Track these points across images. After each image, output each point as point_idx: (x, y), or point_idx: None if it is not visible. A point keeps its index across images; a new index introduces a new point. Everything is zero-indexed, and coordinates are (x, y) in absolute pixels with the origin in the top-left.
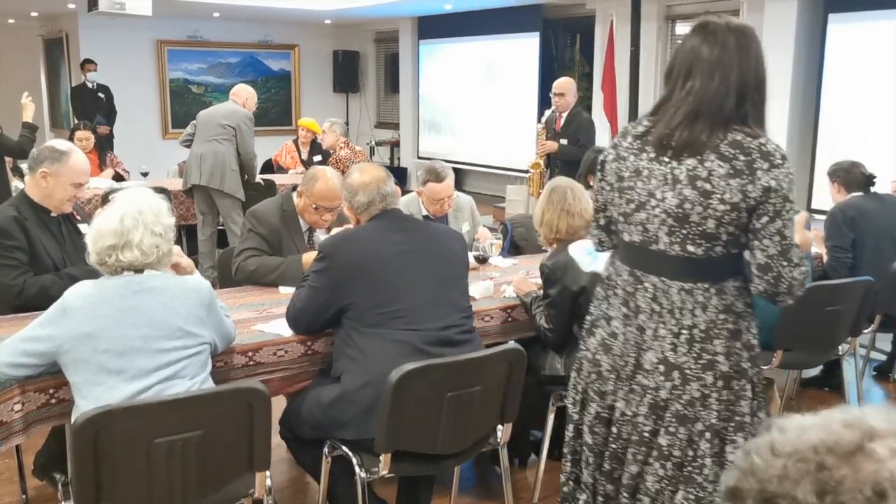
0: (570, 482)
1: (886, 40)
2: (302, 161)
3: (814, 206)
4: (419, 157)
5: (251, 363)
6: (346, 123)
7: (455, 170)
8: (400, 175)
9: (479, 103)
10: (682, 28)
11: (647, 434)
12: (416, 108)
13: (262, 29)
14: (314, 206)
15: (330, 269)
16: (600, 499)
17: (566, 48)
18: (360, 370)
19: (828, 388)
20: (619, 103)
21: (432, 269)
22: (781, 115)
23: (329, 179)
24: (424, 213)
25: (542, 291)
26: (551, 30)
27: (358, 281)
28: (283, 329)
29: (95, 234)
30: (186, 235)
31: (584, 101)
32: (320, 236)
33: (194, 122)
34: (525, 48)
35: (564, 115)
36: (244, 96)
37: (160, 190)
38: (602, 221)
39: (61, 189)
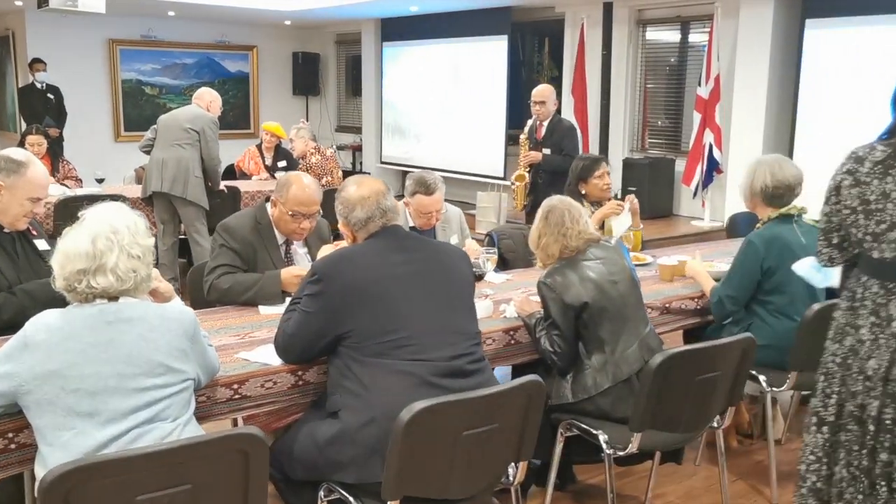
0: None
1: (864, 46)
2: (266, 167)
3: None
4: (382, 162)
5: (237, 396)
6: None
7: None
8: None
9: (445, 107)
10: (653, 33)
11: None
12: (380, 112)
13: (220, 29)
14: (290, 213)
15: (325, 292)
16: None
17: (534, 52)
18: (362, 406)
19: None
20: (589, 107)
21: (439, 291)
22: (757, 119)
23: (305, 184)
24: (411, 224)
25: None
26: (519, 33)
27: (358, 306)
28: (270, 357)
29: (63, 256)
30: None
31: None
32: (298, 249)
33: (155, 126)
34: (493, 51)
35: (545, 123)
36: (208, 99)
37: (116, 198)
38: (835, 241)
39: (17, 204)
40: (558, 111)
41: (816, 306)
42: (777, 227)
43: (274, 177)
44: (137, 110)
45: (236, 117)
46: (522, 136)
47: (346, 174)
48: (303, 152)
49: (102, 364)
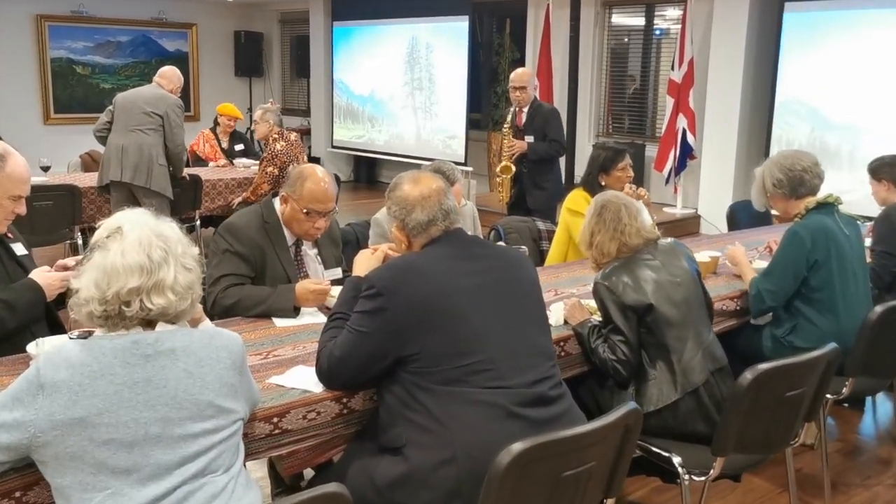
0: None
1: (845, 29)
2: (223, 151)
3: None
4: (333, 147)
5: (277, 431)
6: (249, 110)
7: (375, 160)
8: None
9: (402, 91)
10: (619, 17)
11: None
12: (330, 95)
13: (157, 5)
14: (305, 210)
15: (387, 309)
16: None
17: (492, 33)
18: (436, 442)
19: (847, 404)
20: (555, 91)
21: (512, 305)
22: (732, 104)
23: (320, 178)
24: None
25: (598, 318)
26: (477, 14)
27: (426, 325)
28: (309, 382)
29: (105, 274)
30: None
31: None
32: (307, 251)
33: (110, 108)
34: (453, 32)
35: (525, 109)
36: (173, 81)
37: (66, 188)
38: None
39: None
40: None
41: (880, 308)
42: (820, 217)
43: (232, 162)
44: (68, 91)
45: None
46: (505, 127)
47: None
48: (264, 136)
49: (142, 408)
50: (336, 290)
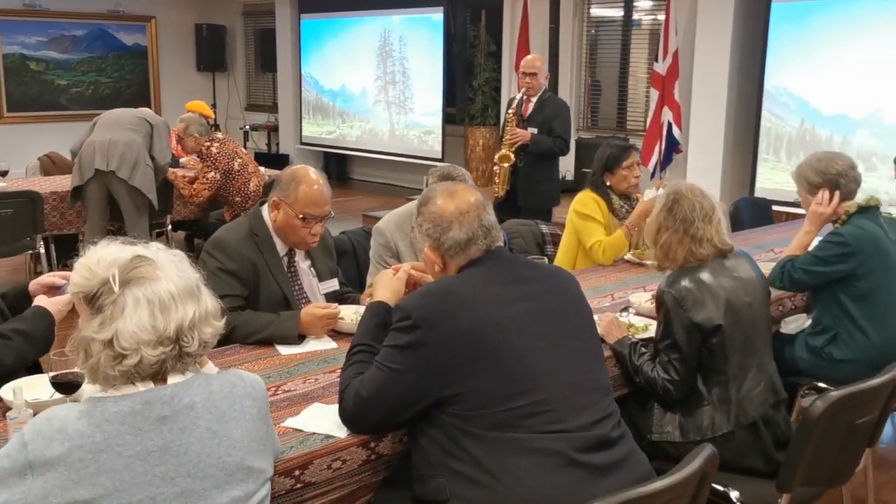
0: None
1: (835, 18)
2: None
3: (757, 193)
4: (302, 143)
5: (299, 486)
6: (213, 105)
7: (346, 157)
8: (281, 162)
9: (374, 85)
10: (598, 9)
11: None
12: (298, 90)
13: None
14: (301, 216)
15: (425, 344)
16: None
17: (466, 25)
18: (487, 497)
19: None
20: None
21: (566, 334)
22: (719, 96)
23: (314, 179)
24: None
25: (636, 336)
26: (452, 5)
27: (471, 362)
28: (330, 425)
29: (160, 306)
30: (56, 249)
31: (493, 81)
32: (300, 262)
33: (92, 123)
34: (427, 25)
35: (534, 98)
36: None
37: (26, 195)
38: None
39: None
40: (492, 87)
41: None
42: (864, 222)
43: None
44: (22, 88)
45: (134, 95)
46: (510, 112)
47: (261, 157)
48: (196, 149)
49: (159, 483)
50: (346, 312)
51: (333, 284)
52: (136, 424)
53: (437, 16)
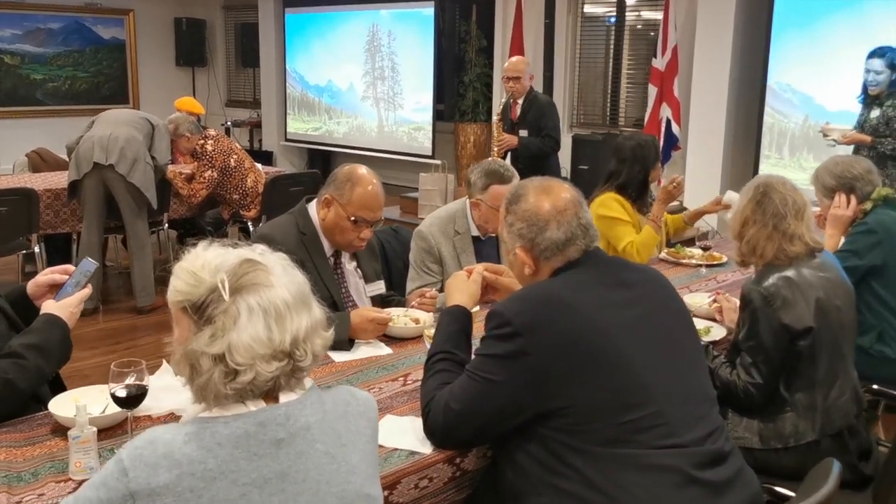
0: None
1: (840, 13)
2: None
3: None
4: (287, 140)
5: None
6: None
7: (331, 154)
8: (266, 159)
9: (362, 81)
10: (590, 7)
11: None
12: (282, 85)
13: None
14: (353, 218)
15: (528, 353)
16: None
17: (455, 20)
18: None
19: None
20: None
21: (673, 340)
22: (720, 92)
23: (370, 181)
24: (475, 233)
25: (706, 339)
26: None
27: (577, 372)
28: (412, 440)
29: (275, 315)
30: (47, 249)
31: (484, 77)
32: (346, 263)
33: (91, 121)
34: (417, 19)
35: (520, 101)
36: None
37: (22, 192)
38: None
39: None
40: (483, 83)
41: None
42: (887, 211)
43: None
44: None
45: (112, 90)
46: (496, 118)
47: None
48: (191, 149)
49: None
50: (396, 314)
51: (380, 287)
52: (252, 448)
53: (427, 10)
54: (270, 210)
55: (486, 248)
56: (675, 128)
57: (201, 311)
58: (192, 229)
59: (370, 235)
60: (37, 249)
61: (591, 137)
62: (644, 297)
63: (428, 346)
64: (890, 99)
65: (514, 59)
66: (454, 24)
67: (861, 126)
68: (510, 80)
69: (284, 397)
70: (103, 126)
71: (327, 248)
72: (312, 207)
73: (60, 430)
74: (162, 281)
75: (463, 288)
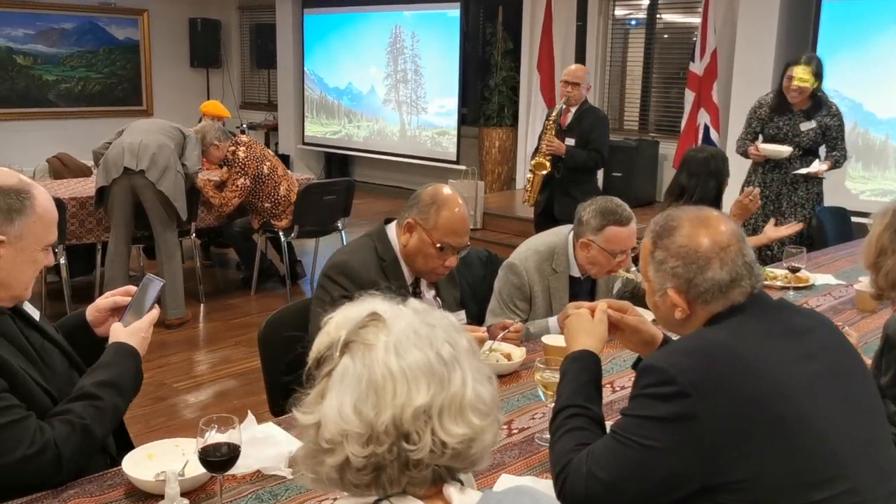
0: None
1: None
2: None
3: None
4: (304, 143)
5: None
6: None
7: (349, 158)
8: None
9: (383, 83)
10: (621, 10)
11: None
12: (300, 87)
13: None
14: (438, 245)
15: (697, 416)
16: None
17: (479, 22)
18: None
19: None
20: (557, 84)
21: (858, 401)
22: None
23: (459, 203)
24: (576, 274)
25: None
26: (466, 1)
27: (757, 440)
28: None
29: (370, 386)
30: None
31: (510, 81)
32: (425, 291)
33: (120, 130)
34: (442, 21)
35: (573, 109)
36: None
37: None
38: None
39: (28, 258)
40: (509, 86)
41: None
42: None
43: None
44: (8, 83)
45: (126, 92)
46: (549, 120)
47: None
48: (222, 158)
49: None
50: (483, 351)
51: (461, 317)
52: None
53: (453, 12)
54: (302, 220)
55: (578, 287)
56: (713, 134)
57: (318, 368)
58: (217, 237)
59: (455, 263)
60: (62, 261)
61: (625, 143)
62: (822, 350)
63: (540, 391)
64: None
65: (575, 66)
66: (479, 25)
67: None
68: (568, 85)
69: (450, 492)
70: (134, 133)
71: (408, 275)
72: (392, 230)
73: (135, 492)
74: (191, 293)
75: (589, 330)
